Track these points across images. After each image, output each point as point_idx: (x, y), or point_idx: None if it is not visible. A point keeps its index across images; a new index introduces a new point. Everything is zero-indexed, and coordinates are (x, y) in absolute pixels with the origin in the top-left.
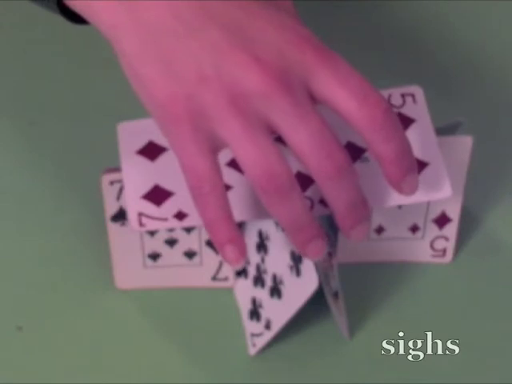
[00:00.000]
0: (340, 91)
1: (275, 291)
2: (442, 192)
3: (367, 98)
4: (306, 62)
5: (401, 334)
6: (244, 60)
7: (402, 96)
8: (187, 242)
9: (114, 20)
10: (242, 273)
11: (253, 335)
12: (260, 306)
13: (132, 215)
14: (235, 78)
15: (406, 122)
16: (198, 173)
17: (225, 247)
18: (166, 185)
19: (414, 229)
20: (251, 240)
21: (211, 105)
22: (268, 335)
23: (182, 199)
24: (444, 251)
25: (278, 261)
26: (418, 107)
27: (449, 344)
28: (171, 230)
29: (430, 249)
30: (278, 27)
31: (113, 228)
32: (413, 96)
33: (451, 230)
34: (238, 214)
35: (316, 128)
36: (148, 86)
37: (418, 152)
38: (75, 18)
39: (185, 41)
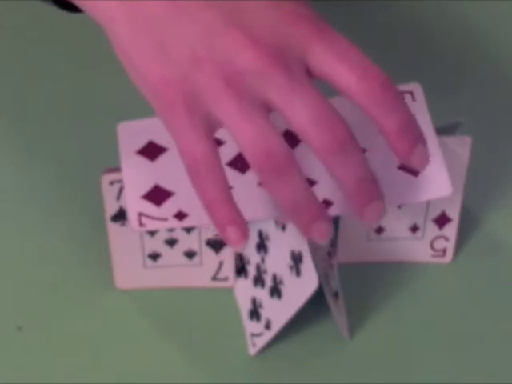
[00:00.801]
0: (338, 66)
1: (275, 291)
2: (442, 190)
3: (366, 72)
4: (301, 37)
5: (401, 334)
6: (237, 39)
7: (401, 94)
8: (187, 241)
9: (111, 12)
10: (241, 273)
11: (253, 335)
12: (260, 306)
13: (132, 215)
14: (228, 57)
15: None
16: (195, 155)
17: (226, 229)
18: (166, 185)
19: (414, 229)
20: (251, 240)
21: (205, 86)
22: (268, 335)
23: (182, 199)
24: (444, 251)
25: (278, 261)
26: (417, 105)
27: (449, 344)
28: (171, 230)
29: (429, 249)
30: (275, 7)
31: (113, 228)
32: (411, 93)
33: (451, 229)
34: None
35: (314, 103)
36: (141, 70)
37: None
38: (65, 6)
39: (178, 24)
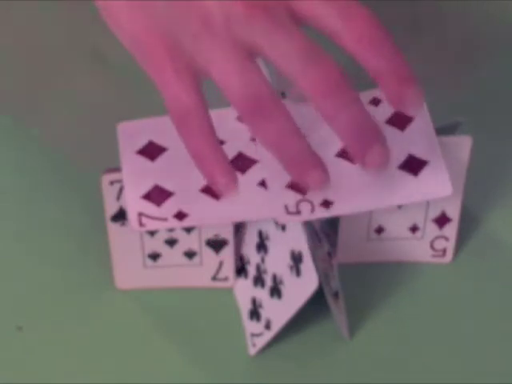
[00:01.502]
0: (323, 10)
1: (275, 291)
2: (442, 190)
3: (352, 15)
4: None
5: (401, 334)
6: None
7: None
8: (187, 241)
9: None
10: (242, 273)
11: (253, 335)
12: (260, 306)
13: (132, 215)
14: (210, 5)
15: (405, 120)
16: (181, 102)
17: (215, 178)
18: (166, 185)
19: (414, 229)
20: (251, 240)
21: (188, 34)
22: (268, 335)
23: (182, 199)
24: (444, 251)
25: (278, 261)
26: None
27: (449, 344)
28: (171, 230)
29: (429, 249)
30: None
31: (113, 228)
32: None
33: (451, 229)
34: (238, 214)
35: (301, 44)
36: (123, 21)
37: (417, 150)
38: None
39: None
